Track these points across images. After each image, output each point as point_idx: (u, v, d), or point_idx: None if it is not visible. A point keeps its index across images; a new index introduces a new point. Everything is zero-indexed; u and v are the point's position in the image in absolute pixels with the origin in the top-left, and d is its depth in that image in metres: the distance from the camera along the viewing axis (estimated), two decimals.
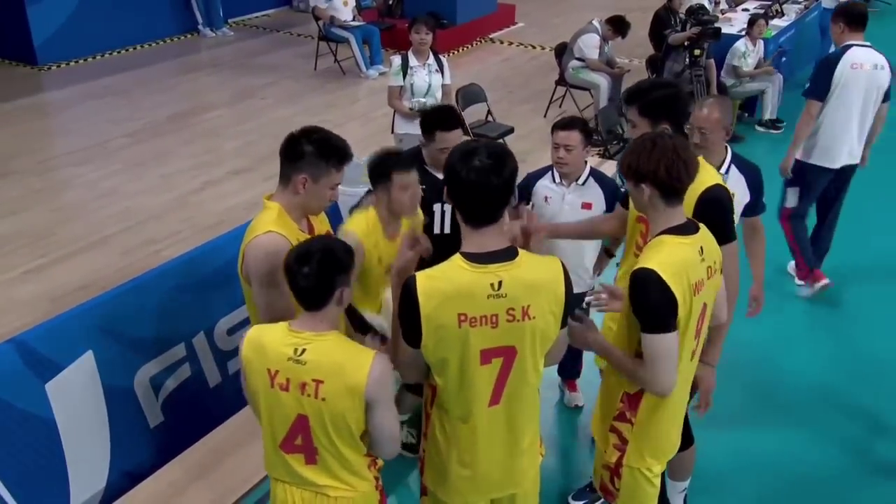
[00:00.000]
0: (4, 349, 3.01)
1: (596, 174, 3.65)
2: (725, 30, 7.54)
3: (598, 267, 3.84)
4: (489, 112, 7.07)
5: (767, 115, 7.70)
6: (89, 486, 3.27)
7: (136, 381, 3.45)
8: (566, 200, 3.57)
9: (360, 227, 3.02)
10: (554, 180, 3.65)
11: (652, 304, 2.24)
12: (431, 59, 5.52)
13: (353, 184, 4.89)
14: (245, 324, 3.90)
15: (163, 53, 10.28)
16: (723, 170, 3.19)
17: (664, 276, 2.21)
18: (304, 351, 2.13)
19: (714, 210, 2.63)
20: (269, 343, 2.19)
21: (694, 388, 2.71)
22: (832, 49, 4.81)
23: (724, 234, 2.60)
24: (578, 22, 11.28)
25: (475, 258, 2.08)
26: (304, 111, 8.38)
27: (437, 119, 3.41)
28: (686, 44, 7.08)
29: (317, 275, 2.12)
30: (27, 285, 5.19)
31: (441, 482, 2.34)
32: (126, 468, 3.38)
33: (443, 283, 2.08)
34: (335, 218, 4.47)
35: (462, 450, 2.26)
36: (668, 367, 2.28)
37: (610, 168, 5.45)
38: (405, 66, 5.45)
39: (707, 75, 7.13)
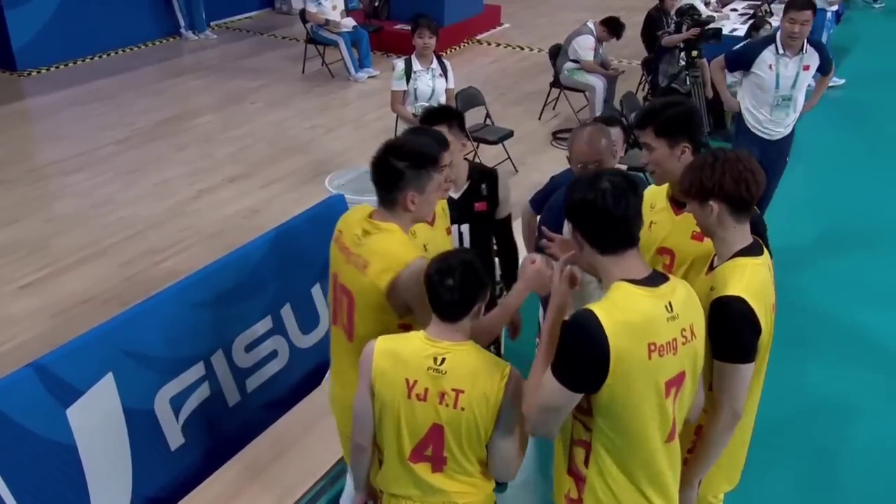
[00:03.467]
0: (25, 375, 2.88)
1: None
2: None
3: None
4: (487, 115, 6.99)
5: None
6: None
7: (157, 403, 3.33)
8: None
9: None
10: None
11: (739, 334, 2.15)
12: (435, 64, 5.42)
13: (361, 193, 4.80)
14: (263, 339, 3.81)
15: (145, 57, 10.04)
16: None
17: (753, 305, 2.13)
18: (443, 360, 2.14)
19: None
20: (407, 353, 2.17)
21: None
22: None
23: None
24: (563, 22, 11.30)
25: (644, 283, 1.97)
26: (296, 115, 8.25)
27: (435, 114, 3.19)
28: (682, 45, 7.04)
29: (460, 289, 2.14)
30: (25, 300, 5.01)
31: None
32: (148, 493, 3.27)
33: (629, 314, 1.93)
34: None
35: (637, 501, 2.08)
36: (743, 396, 2.21)
37: None
38: (408, 71, 5.35)
39: (702, 76, 7.09)
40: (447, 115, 3.17)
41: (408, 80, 5.33)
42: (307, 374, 4.01)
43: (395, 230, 2.43)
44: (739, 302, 2.13)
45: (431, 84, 5.36)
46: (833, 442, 3.94)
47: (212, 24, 11.14)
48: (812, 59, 5.03)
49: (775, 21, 8.46)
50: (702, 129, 2.83)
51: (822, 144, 7.72)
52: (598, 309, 1.93)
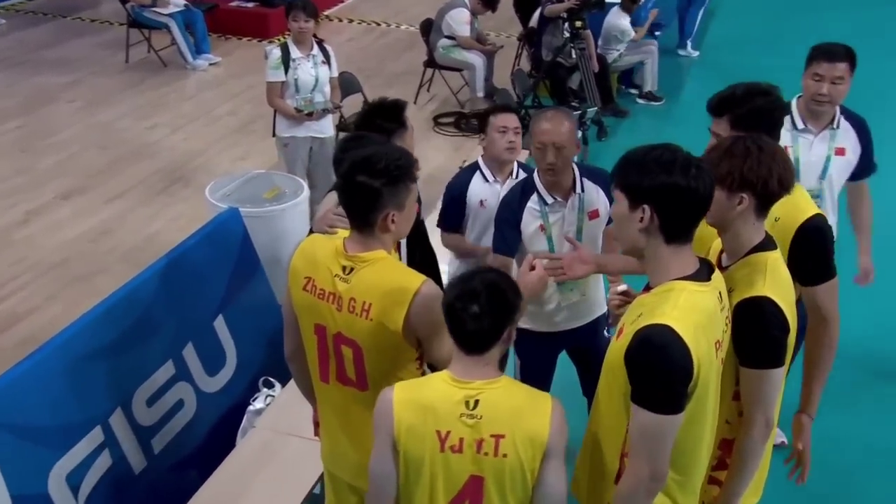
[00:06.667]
0: None
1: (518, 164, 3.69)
2: None
3: None
4: (365, 102, 6.84)
5: (648, 87, 8.09)
6: None
7: (51, 484, 3.02)
8: None
9: None
10: (486, 179, 3.59)
11: (770, 337, 2.18)
12: (316, 50, 5.23)
13: (255, 202, 4.55)
14: (166, 389, 3.54)
15: None
16: (578, 189, 3.15)
17: (780, 303, 2.17)
18: (476, 403, 2.04)
19: (816, 242, 2.53)
20: (435, 401, 2.07)
21: None
22: None
23: (826, 270, 2.57)
24: None
25: (697, 277, 2.05)
26: (129, 114, 7.75)
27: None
28: (565, 15, 7.23)
29: (488, 315, 2.04)
30: None
31: None
32: None
33: (697, 315, 1.99)
34: (245, 245, 4.16)
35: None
36: (774, 404, 2.26)
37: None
38: (286, 59, 5.12)
39: (588, 48, 7.33)
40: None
41: (287, 70, 5.10)
42: (218, 422, 3.76)
43: (384, 257, 2.32)
44: (768, 302, 2.16)
45: (314, 73, 5.17)
46: None
47: None
48: (848, 139, 3.50)
49: None
50: (780, 127, 2.72)
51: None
52: (670, 320, 1.95)
